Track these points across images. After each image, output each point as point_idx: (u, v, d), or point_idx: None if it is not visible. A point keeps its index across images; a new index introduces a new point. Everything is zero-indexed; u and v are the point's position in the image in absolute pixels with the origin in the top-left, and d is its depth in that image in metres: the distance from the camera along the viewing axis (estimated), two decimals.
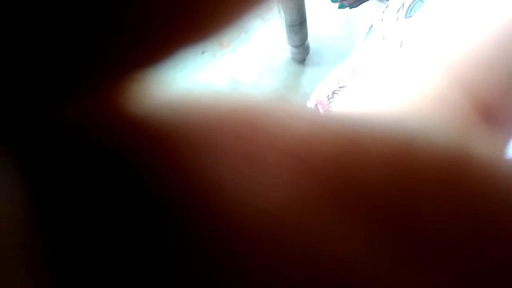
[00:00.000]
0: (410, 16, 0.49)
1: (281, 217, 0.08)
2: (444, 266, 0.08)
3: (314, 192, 0.08)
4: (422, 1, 0.48)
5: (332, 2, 1.03)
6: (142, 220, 0.08)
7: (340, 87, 0.53)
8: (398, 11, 0.52)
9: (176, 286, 0.08)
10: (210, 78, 1.24)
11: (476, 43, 0.17)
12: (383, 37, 0.51)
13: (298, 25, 1.13)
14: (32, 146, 0.08)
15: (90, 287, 0.08)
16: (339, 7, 1.02)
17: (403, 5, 0.52)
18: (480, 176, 0.09)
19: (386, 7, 0.56)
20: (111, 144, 0.09)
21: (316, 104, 0.55)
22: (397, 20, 0.52)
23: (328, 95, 0.53)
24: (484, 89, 0.17)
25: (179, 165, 0.09)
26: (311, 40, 1.21)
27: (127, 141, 0.09)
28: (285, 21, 1.12)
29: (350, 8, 1.03)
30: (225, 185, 0.08)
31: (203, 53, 1.28)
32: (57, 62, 0.07)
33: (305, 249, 0.08)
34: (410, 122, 0.10)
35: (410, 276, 0.08)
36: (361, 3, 1.02)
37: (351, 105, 0.17)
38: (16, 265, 0.08)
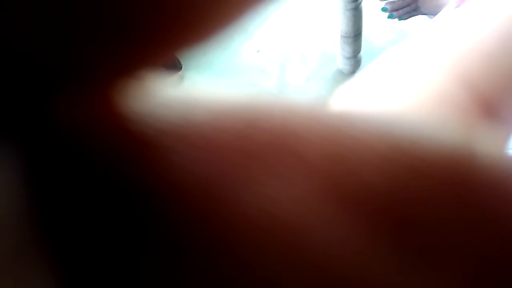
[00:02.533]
0: None
1: (282, 217, 0.08)
2: (446, 265, 0.08)
3: (315, 191, 0.08)
4: None
5: (382, 11, 1.04)
6: (138, 219, 0.09)
7: None
8: None
9: (172, 286, 0.08)
10: (259, 78, 1.27)
11: (479, 39, 0.17)
12: None
13: (353, 36, 1.14)
14: (30, 145, 0.08)
15: (89, 286, 0.08)
16: (388, 17, 1.03)
17: None
18: (482, 173, 0.09)
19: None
20: (109, 144, 0.09)
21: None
22: None
23: None
24: (486, 85, 0.17)
25: (177, 164, 0.09)
26: (364, 53, 1.22)
27: (125, 140, 0.09)
28: (341, 32, 1.14)
29: (399, 20, 1.03)
30: (225, 184, 0.08)
31: (258, 51, 1.32)
32: (55, 61, 0.07)
33: (305, 248, 0.08)
34: (413, 119, 0.10)
35: (411, 276, 0.08)
36: (411, 16, 1.03)
37: (353, 103, 0.17)
38: (15, 264, 0.08)
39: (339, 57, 1.23)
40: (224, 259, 0.08)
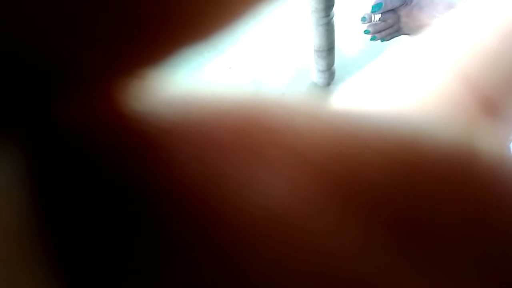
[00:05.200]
0: None
1: (283, 215, 0.08)
2: (447, 263, 0.08)
3: (317, 190, 0.08)
4: None
5: (365, 33, 1.04)
6: (140, 218, 0.08)
7: None
8: None
9: (175, 285, 0.08)
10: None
11: (480, 38, 0.17)
12: None
13: (326, 50, 1.13)
14: (32, 144, 0.08)
15: (90, 285, 0.08)
16: (371, 39, 1.03)
17: None
18: (484, 171, 0.09)
19: None
20: (110, 143, 0.09)
21: None
22: None
23: None
24: (488, 84, 0.16)
25: (179, 162, 0.08)
26: (338, 65, 1.21)
27: (127, 139, 0.09)
28: (314, 46, 1.13)
29: (382, 41, 1.03)
30: (227, 182, 0.08)
31: (229, 68, 1.29)
32: (56, 61, 0.07)
33: (307, 247, 0.08)
34: (414, 117, 0.10)
35: (412, 274, 0.08)
36: (393, 37, 1.03)
37: (355, 101, 0.16)
38: (16, 264, 0.08)
39: (313, 71, 1.23)
40: (225, 257, 0.08)
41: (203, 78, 1.27)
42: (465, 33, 0.17)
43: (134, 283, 0.08)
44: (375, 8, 0.99)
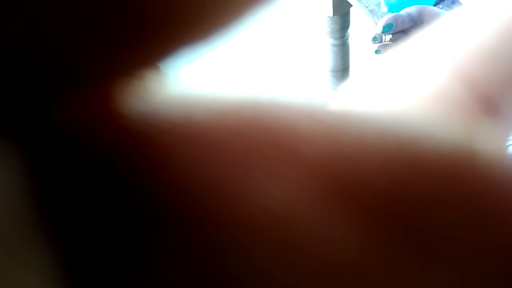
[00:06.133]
0: None
1: (283, 216, 0.08)
2: (447, 264, 0.08)
3: (316, 190, 0.09)
4: None
5: (375, 53, 1.09)
6: (139, 219, 0.09)
7: None
8: None
9: (174, 285, 0.08)
10: None
11: (478, 37, 0.17)
12: None
13: (341, 70, 1.19)
14: (31, 144, 0.08)
15: (90, 285, 0.08)
16: (375, 52, 1.06)
17: None
18: (483, 171, 0.09)
19: None
20: (110, 143, 0.09)
21: None
22: None
23: None
24: (487, 83, 0.17)
25: (178, 163, 0.09)
26: None
27: (125, 139, 0.09)
28: (329, 66, 1.18)
29: None
30: (226, 182, 0.09)
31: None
32: (56, 60, 0.07)
33: (307, 248, 0.08)
34: (413, 117, 0.10)
35: (411, 275, 0.08)
36: None
37: (353, 102, 0.17)
38: (16, 263, 0.08)
39: (328, 91, 1.27)
40: (224, 257, 0.08)
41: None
42: (464, 33, 0.17)
43: (134, 282, 0.09)
44: (386, 29, 1.03)
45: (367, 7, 1.07)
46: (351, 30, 1.11)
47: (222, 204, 0.08)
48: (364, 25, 1.29)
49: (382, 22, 1.05)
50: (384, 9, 1.08)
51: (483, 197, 0.09)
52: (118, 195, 0.09)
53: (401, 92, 0.16)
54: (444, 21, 0.18)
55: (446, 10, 1.02)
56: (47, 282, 0.08)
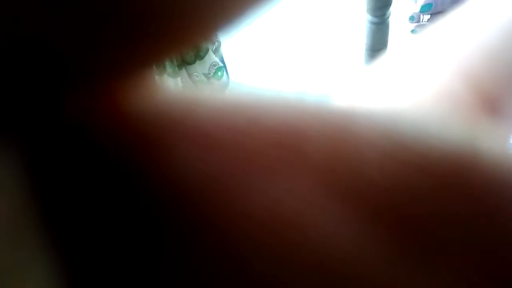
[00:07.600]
0: None
1: (284, 214, 0.08)
2: (448, 263, 0.08)
3: (318, 189, 0.09)
4: None
5: (411, 33, 1.08)
6: (142, 217, 0.09)
7: None
8: None
9: (174, 285, 0.09)
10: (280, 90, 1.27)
11: (481, 36, 0.17)
12: None
13: (378, 50, 1.11)
14: (35, 142, 0.09)
15: (89, 284, 0.09)
16: (411, 32, 1.04)
17: None
18: (485, 171, 0.09)
19: None
20: (112, 141, 0.09)
21: None
22: None
23: None
24: (489, 83, 0.16)
25: (181, 162, 0.09)
26: None
27: (128, 138, 0.09)
28: (366, 45, 1.12)
29: None
30: (228, 181, 0.09)
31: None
32: (60, 59, 0.07)
33: (307, 245, 0.08)
34: (415, 116, 0.10)
35: (412, 274, 0.08)
36: None
37: (354, 99, 0.16)
38: (16, 263, 0.08)
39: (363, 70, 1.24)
40: (227, 256, 0.08)
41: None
42: (466, 32, 0.17)
43: (134, 282, 0.09)
44: (425, 8, 1.01)
45: None
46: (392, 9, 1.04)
47: (224, 202, 0.09)
48: (407, 4, 1.22)
49: (422, 1, 1.05)
50: None
51: (485, 195, 0.09)
52: (118, 194, 0.09)
53: (404, 91, 0.16)
54: (448, 20, 0.18)
55: None
56: (47, 282, 0.08)
